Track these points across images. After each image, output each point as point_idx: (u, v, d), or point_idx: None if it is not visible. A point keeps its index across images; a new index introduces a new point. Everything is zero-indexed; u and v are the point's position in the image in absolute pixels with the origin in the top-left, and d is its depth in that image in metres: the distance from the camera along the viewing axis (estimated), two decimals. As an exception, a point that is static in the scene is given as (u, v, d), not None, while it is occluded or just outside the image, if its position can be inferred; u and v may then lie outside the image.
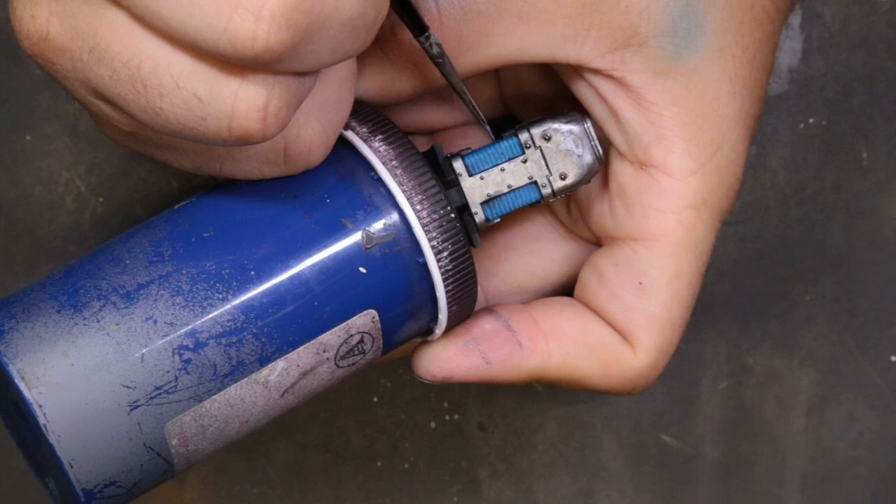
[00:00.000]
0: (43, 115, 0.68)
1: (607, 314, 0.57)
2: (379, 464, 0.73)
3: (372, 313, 0.52)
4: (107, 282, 0.49)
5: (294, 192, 0.52)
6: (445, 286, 0.53)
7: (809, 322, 0.72)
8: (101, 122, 0.50)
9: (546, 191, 0.56)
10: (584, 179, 0.56)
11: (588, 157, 0.56)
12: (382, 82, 0.55)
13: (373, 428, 0.73)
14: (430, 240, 0.52)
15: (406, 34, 0.54)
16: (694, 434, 0.73)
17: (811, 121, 0.69)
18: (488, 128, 0.56)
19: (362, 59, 0.54)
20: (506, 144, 0.56)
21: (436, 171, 0.55)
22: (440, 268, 0.53)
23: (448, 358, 0.56)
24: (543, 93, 0.59)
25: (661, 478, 0.73)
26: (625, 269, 0.56)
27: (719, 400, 0.72)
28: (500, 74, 0.60)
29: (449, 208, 0.53)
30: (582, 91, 0.56)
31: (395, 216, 0.52)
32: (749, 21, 0.55)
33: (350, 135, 0.53)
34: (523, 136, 0.55)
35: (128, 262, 0.50)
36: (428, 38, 0.52)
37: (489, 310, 0.58)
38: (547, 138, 0.55)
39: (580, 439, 0.73)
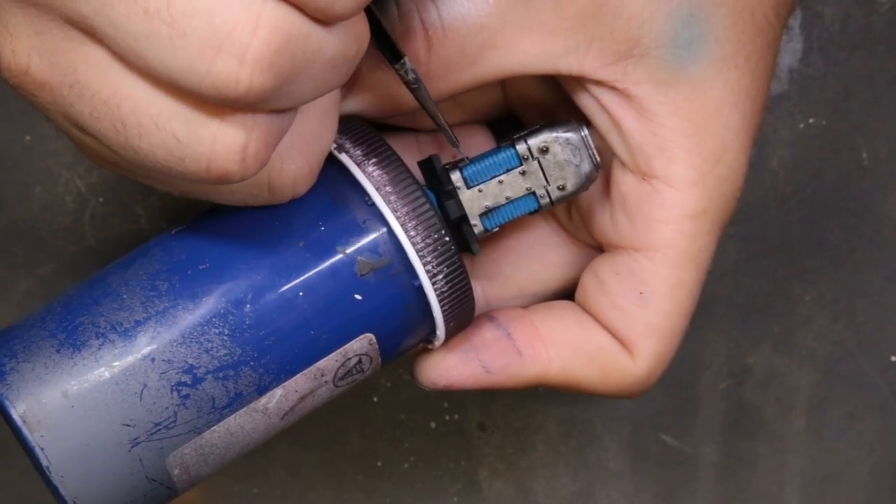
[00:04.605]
0: (43, 116, 0.68)
1: (607, 321, 0.57)
2: (379, 464, 0.73)
3: (369, 337, 0.52)
4: (105, 318, 0.49)
5: (288, 218, 0.51)
6: (442, 307, 0.53)
7: (809, 322, 0.72)
8: (84, 150, 0.49)
9: (544, 201, 0.55)
10: (583, 188, 0.56)
11: (586, 167, 0.55)
12: (379, 100, 0.55)
13: (373, 428, 0.73)
14: (424, 264, 0.52)
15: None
16: (694, 434, 0.73)
17: (811, 121, 0.69)
18: (461, 149, 0.56)
19: (360, 76, 0.54)
20: (503, 155, 0.55)
21: (434, 182, 0.55)
22: (436, 290, 0.53)
23: (448, 367, 0.57)
24: (546, 99, 0.59)
25: (661, 478, 0.73)
26: (625, 278, 0.56)
27: (719, 400, 0.72)
28: (503, 81, 0.60)
29: (443, 232, 0.52)
30: (584, 102, 0.55)
31: (389, 242, 0.52)
32: (751, 29, 0.54)
33: (344, 158, 0.53)
34: (521, 148, 0.55)
35: (125, 296, 0.50)
36: (403, 65, 0.52)
37: (489, 317, 0.58)
38: (544, 150, 0.55)
39: (580, 439, 0.73)
